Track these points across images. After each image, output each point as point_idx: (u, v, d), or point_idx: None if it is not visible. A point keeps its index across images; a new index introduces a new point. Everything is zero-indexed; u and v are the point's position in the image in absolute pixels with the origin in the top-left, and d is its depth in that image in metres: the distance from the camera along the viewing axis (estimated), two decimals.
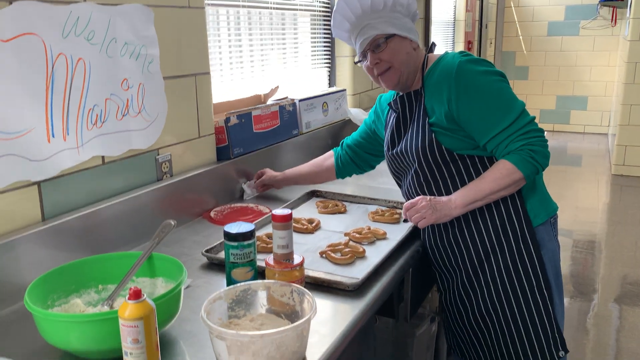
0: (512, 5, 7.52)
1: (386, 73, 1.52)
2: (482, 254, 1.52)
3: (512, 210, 1.50)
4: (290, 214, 1.25)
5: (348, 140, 1.93)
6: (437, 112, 1.48)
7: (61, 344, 1.02)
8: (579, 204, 4.79)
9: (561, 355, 1.52)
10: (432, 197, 1.48)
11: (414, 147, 1.52)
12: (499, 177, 1.42)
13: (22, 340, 1.12)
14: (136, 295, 0.91)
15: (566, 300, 3.20)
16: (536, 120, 1.46)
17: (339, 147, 1.96)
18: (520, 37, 7.61)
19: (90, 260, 1.23)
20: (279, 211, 1.25)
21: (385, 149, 1.68)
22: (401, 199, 1.95)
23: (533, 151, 1.40)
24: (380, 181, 2.35)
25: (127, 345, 0.91)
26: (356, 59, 1.59)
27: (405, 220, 1.69)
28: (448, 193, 1.50)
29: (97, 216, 1.49)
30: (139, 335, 0.90)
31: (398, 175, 1.68)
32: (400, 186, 1.71)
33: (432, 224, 1.49)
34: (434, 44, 1.68)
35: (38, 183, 1.36)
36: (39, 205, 1.37)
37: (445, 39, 5.22)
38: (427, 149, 1.49)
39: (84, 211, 1.46)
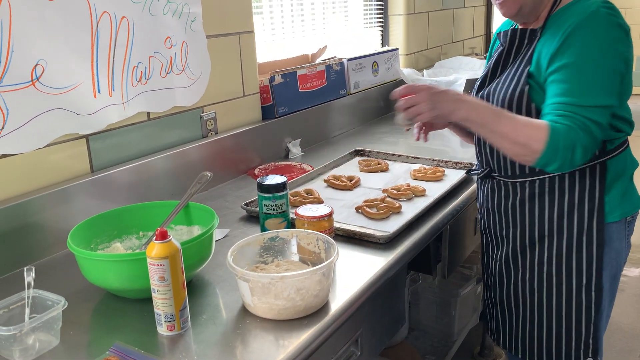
0: None
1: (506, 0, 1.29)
2: (536, 233, 1.37)
3: (587, 197, 1.30)
4: None
5: None
6: (543, 58, 1.24)
7: (101, 283, 1.10)
8: None
9: None
10: (438, 88, 1.23)
11: (501, 95, 1.31)
12: (523, 129, 1.16)
13: (69, 280, 1.21)
14: (162, 236, 0.95)
15: None
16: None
17: None
18: None
19: (132, 208, 1.30)
20: None
21: (477, 84, 1.45)
22: (445, 157, 1.92)
23: (580, 140, 1.14)
24: (433, 142, 2.28)
25: (155, 282, 0.96)
26: None
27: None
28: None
29: (144, 169, 1.56)
30: (165, 273, 0.95)
31: None
32: (475, 141, 1.48)
33: (427, 120, 1.25)
34: None
35: (86, 137, 1.44)
36: (87, 157, 1.45)
37: None
38: (515, 101, 1.27)
39: (131, 164, 1.53)
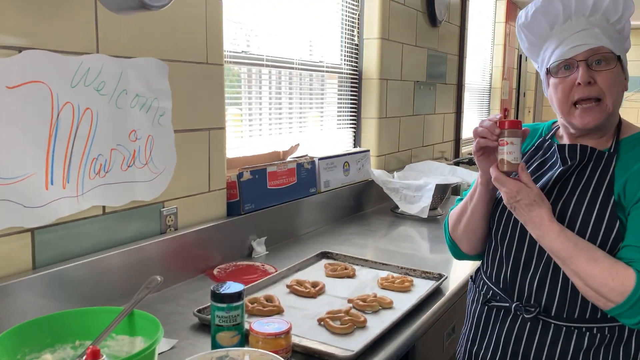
0: None
1: (593, 104, 1.16)
2: None
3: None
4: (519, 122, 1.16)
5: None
6: (630, 189, 1.12)
7: None
8: None
9: None
10: (541, 198, 1.13)
11: (588, 227, 1.14)
12: (605, 271, 1.06)
13: None
14: (94, 355, 0.84)
15: None
16: None
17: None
18: None
19: (69, 313, 1.18)
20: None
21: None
22: (415, 265, 1.85)
23: None
24: (402, 246, 2.26)
25: None
26: (549, 65, 1.21)
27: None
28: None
29: (93, 267, 1.45)
30: None
31: (507, 237, 1.27)
32: (508, 266, 1.28)
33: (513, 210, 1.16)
34: None
35: (32, 230, 1.34)
36: (30, 252, 1.34)
37: (480, 106, 5.18)
38: (601, 234, 1.13)
39: (79, 261, 1.42)
